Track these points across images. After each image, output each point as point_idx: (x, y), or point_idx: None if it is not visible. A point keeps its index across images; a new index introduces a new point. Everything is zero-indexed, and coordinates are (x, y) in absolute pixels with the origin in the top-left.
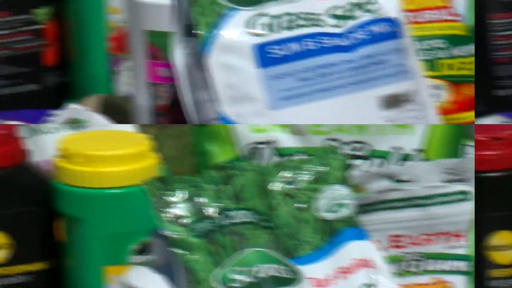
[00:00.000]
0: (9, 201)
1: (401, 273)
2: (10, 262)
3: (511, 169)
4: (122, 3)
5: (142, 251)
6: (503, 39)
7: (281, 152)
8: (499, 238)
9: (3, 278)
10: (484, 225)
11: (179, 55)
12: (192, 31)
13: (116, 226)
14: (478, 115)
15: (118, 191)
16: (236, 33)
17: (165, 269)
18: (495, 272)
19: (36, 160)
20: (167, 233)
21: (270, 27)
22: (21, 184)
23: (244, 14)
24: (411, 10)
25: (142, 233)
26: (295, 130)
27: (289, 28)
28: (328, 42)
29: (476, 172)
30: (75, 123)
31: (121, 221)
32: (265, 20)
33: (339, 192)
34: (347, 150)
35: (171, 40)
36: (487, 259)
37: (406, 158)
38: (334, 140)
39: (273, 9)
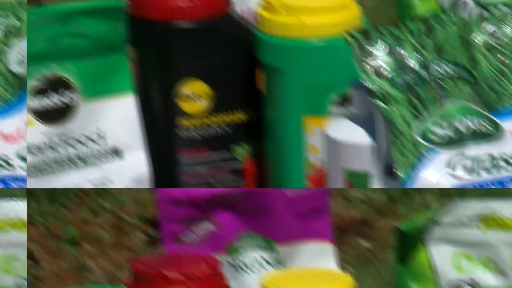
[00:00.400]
0: (213, 51)
1: None
2: (210, 111)
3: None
4: (321, 142)
5: (343, 102)
6: None
7: (483, 4)
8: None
9: (204, 127)
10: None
11: None
12: (392, 172)
13: (317, 77)
14: None
15: (319, 42)
16: (436, 174)
17: (365, 121)
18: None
19: (239, 10)
20: (368, 84)
21: (471, 169)
22: (224, 34)
23: (444, 155)
24: None
25: (342, 84)
26: None
27: (490, 170)
28: None
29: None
30: None
31: (321, 72)
32: (465, 162)
33: None
34: None
35: (370, 180)
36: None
37: None
38: None
39: (473, 150)
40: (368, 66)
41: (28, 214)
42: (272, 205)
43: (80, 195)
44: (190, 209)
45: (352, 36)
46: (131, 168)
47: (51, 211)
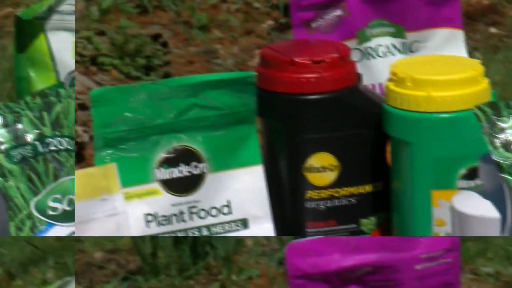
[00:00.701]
0: (341, 124)
1: None
2: (337, 183)
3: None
4: (449, 216)
5: (470, 176)
6: None
7: None
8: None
9: (331, 199)
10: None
11: None
12: None
13: (445, 150)
14: None
15: (447, 115)
16: None
17: (493, 195)
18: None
19: (367, 83)
20: (497, 158)
21: None
22: (352, 106)
23: None
24: None
25: (470, 158)
26: None
27: None
28: None
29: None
30: None
31: (449, 146)
32: None
33: None
34: None
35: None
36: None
37: None
38: None
39: None
40: (497, 140)
41: (159, 287)
42: (402, 279)
43: (209, 268)
44: (321, 284)
45: (481, 109)
46: None
47: (181, 285)
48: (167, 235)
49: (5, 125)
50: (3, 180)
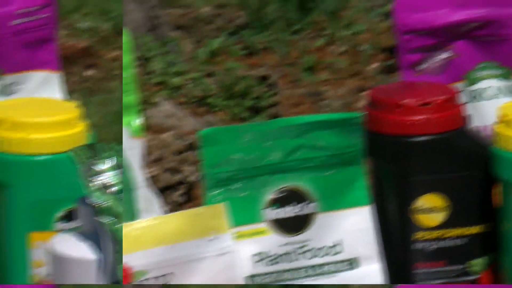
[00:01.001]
0: (449, 165)
1: None
2: (446, 224)
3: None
4: None
5: None
6: None
7: None
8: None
9: (439, 240)
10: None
11: None
12: None
13: None
14: None
15: None
16: None
17: None
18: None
19: (475, 125)
20: None
21: None
22: (460, 148)
23: None
24: None
25: None
26: None
27: None
28: None
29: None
30: None
31: None
32: None
33: None
34: None
35: None
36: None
37: None
38: None
39: None
40: None
41: None
42: None
43: None
44: None
45: None
46: (367, 279)
47: None
48: (274, 283)
49: (117, 167)
50: (114, 222)
